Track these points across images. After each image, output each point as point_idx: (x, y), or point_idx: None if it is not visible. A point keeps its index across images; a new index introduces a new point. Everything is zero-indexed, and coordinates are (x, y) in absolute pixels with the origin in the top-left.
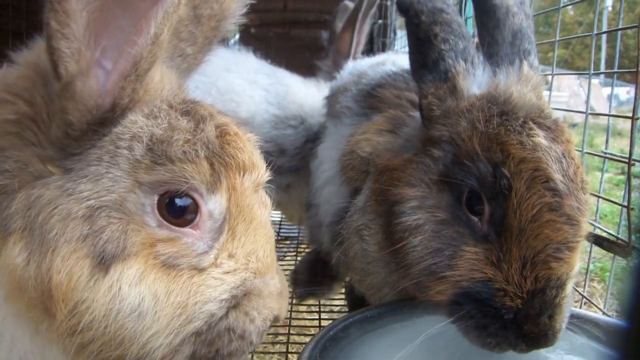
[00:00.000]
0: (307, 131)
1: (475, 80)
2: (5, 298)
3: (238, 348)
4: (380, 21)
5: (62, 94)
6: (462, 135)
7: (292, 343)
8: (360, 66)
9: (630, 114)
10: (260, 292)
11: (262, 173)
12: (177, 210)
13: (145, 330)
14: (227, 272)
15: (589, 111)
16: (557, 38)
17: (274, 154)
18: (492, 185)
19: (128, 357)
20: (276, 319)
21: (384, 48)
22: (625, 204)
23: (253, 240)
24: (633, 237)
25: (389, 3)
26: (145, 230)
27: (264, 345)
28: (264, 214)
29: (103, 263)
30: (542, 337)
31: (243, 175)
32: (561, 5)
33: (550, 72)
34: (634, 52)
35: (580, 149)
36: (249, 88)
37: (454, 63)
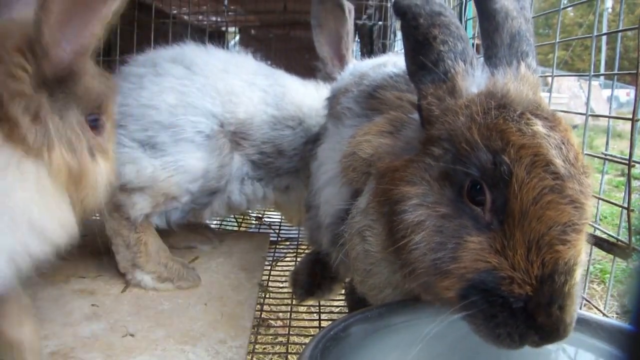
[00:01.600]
0: (306, 132)
1: (474, 80)
2: (44, 182)
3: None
4: (380, 22)
5: (42, 55)
6: (461, 129)
7: (291, 344)
8: (362, 67)
9: (630, 116)
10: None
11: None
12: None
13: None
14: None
15: (589, 113)
16: (557, 39)
17: (272, 155)
18: (492, 172)
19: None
20: None
21: (384, 49)
22: (625, 205)
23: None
24: (633, 239)
25: (388, 4)
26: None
27: (264, 346)
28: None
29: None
30: (554, 330)
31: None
32: (561, 6)
33: (550, 74)
34: (634, 54)
35: (580, 151)
36: (248, 89)
37: (453, 64)
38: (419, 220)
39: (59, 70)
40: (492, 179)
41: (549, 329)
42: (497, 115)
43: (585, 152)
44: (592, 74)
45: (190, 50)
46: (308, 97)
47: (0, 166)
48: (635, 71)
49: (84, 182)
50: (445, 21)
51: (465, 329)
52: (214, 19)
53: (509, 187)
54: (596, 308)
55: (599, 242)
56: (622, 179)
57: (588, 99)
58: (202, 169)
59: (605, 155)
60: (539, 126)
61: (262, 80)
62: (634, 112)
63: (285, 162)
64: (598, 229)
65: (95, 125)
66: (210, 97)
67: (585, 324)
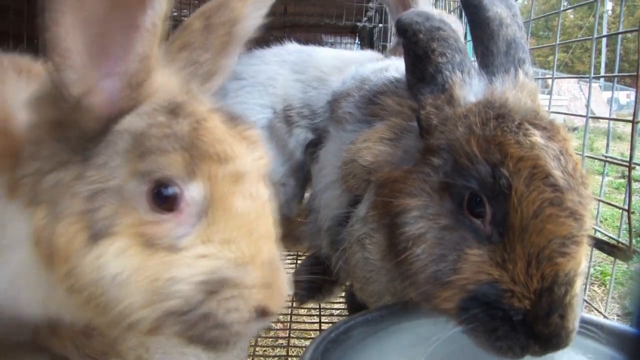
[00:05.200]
0: (327, 90)
1: (471, 89)
2: (32, 248)
3: (221, 336)
4: (380, 25)
5: (72, 110)
6: (460, 140)
7: (292, 347)
8: (363, 71)
9: (631, 118)
10: (240, 283)
11: (244, 163)
12: (163, 198)
13: (124, 299)
14: (199, 256)
15: (589, 115)
16: (558, 42)
17: (310, 117)
18: (492, 186)
19: (119, 324)
20: (264, 310)
21: (384, 51)
22: (626, 207)
23: (230, 229)
24: (634, 241)
25: None
26: (133, 214)
27: (264, 349)
28: (249, 204)
29: (94, 236)
30: (555, 338)
31: (220, 165)
32: (561, 9)
33: (550, 76)
34: (634, 56)
35: (581, 153)
36: (280, 68)
37: (451, 75)
38: (420, 233)
39: (99, 122)
40: (491, 191)
41: (549, 337)
42: (496, 127)
43: (585, 154)
44: (593, 76)
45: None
46: (329, 57)
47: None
48: (635, 73)
49: (60, 265)
50: (444, 35)
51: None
52: None
53: (509, 201)
54: (597, 310)
55: (599, 245)
56: (622, 180)
57: (588, 101)
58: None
59: (606, 157)
60: (537, 137)
61: (291, 56)
62: (635, 114)
63: (320, 121)
64: (599, 231)
65: (165, 200)
66: (258, 91)
67: (586, 326)
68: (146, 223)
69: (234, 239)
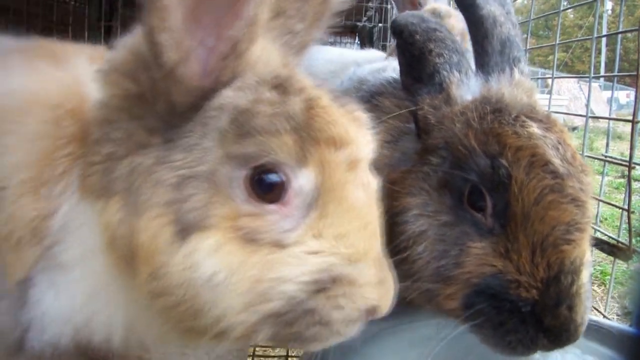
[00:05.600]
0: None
1: (469, 89)
2: (102, 250)
3: (320, 334)
4: (380, 24)
5: (165, 79)
6: (458, 135)
7: (292, 347)
8: (361, 72)
9: (630, 118)
10: (353, 280)
11: (359, 149)
12: (265, 186)
13: (220, 301)
14: (311, 253)
15: (589, 114)
16: (557, 41)
17: None
18: (491, 177)
19: (208, 332)
20: (374, 309)
21: (384, 51)
22: (626, 207)
23: (344, 222)
24: (633, 241)
25: (389, 6)
26: (229, 203)
27: (264, 349)
28: (361, 195)
29: (183, 230)
30: (564, 332)
31: (334, 150)
32: (561, 8)
33: (550, 76)
34: (634, 56)
35: (581, 152)
36: (319, 64)
37: (448, 74)
38: (420, 231)
39: (191, 95)
40: (491, 183)
41: (558, 331)
42: (493, 120)
43: (585, 154)
44: (592, 75)
45: None
46: (326, 62)
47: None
48: (635, 73)
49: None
50: (441, 36)
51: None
52: None
53: (509, 190)
54: (596, 310)
55: (599, 244)
56: (622, 180)
57: (588, 100)
58: None
59: (606, 156)
60: (534, 128)
61: (327, 53)
62: (634, 114)
63: None
64: (598, 230)
65: (268, 189)
66: None
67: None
68: (245, 215)
69: (348, 233)
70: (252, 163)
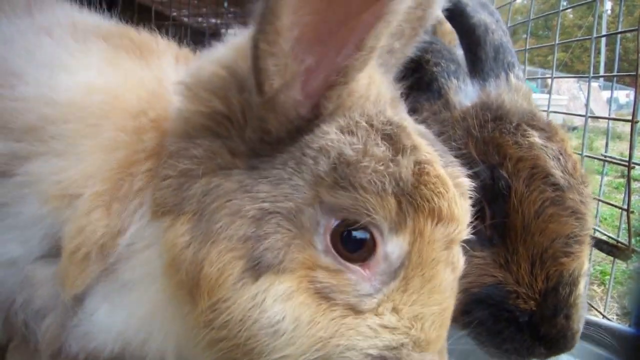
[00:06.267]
0: None
1: (466, 95)
2: (162, 272)
3: None
4: None
5: (263, 106)
6: (458, 143)
7: None
8: None
9: (630, 117)
10: None
11: (461, 229)
12: (352, 243)
13: (277, 350)
14: (386, 327)
15: (589, 114)
16: (557, 41)
17: None
18: (491, 188)
19: None
20: None
21: None
22: (625, 207)
23: (426, 303)
24: (633, 241)
25: None
26: (310, 250)
27: None
28: (449, 277)
29: (256, 269)
30: (561, 339)
31: (436, 224)
32: (561, 8)
33: (550, 75)
34: (633, 56)
35: (580, 152)
36: None
37: (446, 82)
38: None
39: (288, 125)
40: (491, 194)
41: (555, 339)
42: (494, 128)
43: (585, 153)
44: (592, 75)
45: None
46: None
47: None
48: (634, 73)
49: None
50: (437, 48)
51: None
52: (213, 21)
53: (509, 202)
54: (596, 310)
55: (599, 244)
56: (622, 180)
57: (587, 100)
58: None
59: (605, 156)
60: (535, 137)
61: None
62: (634, 114)
63: None
64: (598, 230)
65: (355, 246)
66: None
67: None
68: (324, 267)
69: (425, 317)
70: (345, 215)
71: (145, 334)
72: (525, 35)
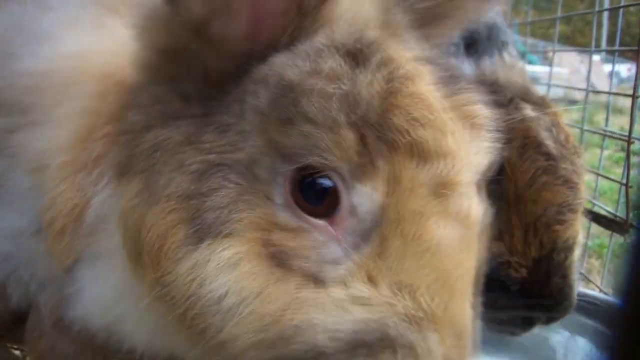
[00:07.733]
0: None
1: (462, 72)
2: (121, 243)
3: None
4: None
5: (193, 37)
6: None
7: None
8: None
9: (631, 92)
10: (410, 348)
11: (458, 165)
12: (318, 192)
13: (224, 331)
14: (357, 301)
15: (590, 88)
16: (559, 14)
17: None
18: None
19: (216, 355)
20: None
21: None
22: (624, 181)
23: (412, 269)
24: (631, 215)
25: None
26: (265, 207)
27: None
28: (449, 233)
29: (198, 234)
30: (558, 295)
31: (416, 164)
32: None
33: (551, 48)
34: (635, 29)
35: (580, 126)
36: None
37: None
38: None
39: (231, 62)
40: None
41: (552, 297)
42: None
43: (585, 127)
44: (594, 49)
45: None
46: None
47: None
48: (636, 47)
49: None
50: None
51: None
52: None
53: (502, 172)
54: (593, 283)
55: (597, 218)
56: (621, 154)
57: (589, 74)
58: None
59: (605, 131)
60: (528, 110)
61: None
62: (635, 89)
63: None
64: (597, 204)
65: (319, 198)
66: None
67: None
68: (282, 227)
69: (414, 285)
70: (299, 158)
71: (119, 313)
72: (526, 8)
